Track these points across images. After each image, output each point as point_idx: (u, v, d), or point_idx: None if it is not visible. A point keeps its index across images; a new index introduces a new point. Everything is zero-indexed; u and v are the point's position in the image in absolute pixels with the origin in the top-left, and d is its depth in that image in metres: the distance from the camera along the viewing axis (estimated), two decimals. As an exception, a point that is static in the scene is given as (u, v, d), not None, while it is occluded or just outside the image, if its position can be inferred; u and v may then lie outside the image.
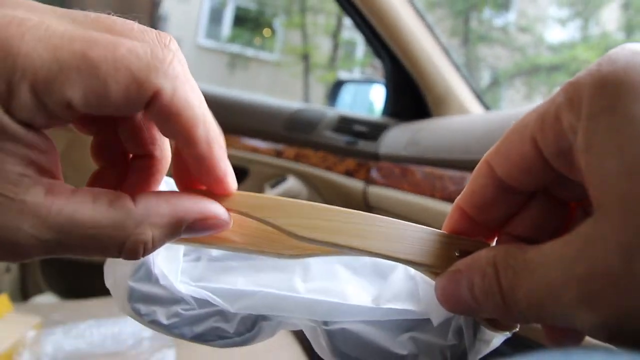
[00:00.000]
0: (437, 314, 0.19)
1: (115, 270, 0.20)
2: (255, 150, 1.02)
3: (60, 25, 0.14)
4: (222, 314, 0.20)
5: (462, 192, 0.19)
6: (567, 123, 0.14)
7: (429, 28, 0.99)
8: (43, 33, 0.14)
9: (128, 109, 0.15)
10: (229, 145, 0.95)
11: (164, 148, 0.19)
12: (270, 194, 1.02)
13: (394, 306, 0.20)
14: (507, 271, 0.15)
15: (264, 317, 0.20)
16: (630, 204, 0.12)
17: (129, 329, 0.70)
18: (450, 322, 0.19)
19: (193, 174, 0.18)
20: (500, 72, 7.26)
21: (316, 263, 0.22)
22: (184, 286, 0.20)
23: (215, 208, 0.18)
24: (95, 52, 0.14)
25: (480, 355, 0.19)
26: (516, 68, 7.12)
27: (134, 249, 0.16)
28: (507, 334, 0.19)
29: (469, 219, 0.19)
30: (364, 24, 0.99)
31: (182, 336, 0.20)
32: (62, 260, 0.95)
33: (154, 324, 0.20)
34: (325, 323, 0.20)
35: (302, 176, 1.03)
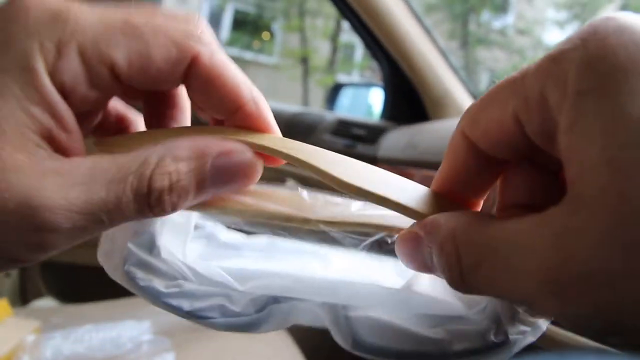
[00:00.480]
0: (472, 305, 0.17)
1: (115, 237, 0.18)
2: (254, 153, 1.02)
3: (99, 6, 0.15)
4: (229, 296, 0.17)
5: (438, 172, 0.18)
6: (554, 101, 0.13)
7: (427, 31, 0.99)
8: (88, 6, 0.15)
9: (169, 75, 0.16)
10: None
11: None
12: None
13: (426, 293, 0.18)
14: (468, 248, 0.14)
15: (276, 299, 0.17)
16: (611, 199, 0.11)
17: (128, 333, 0.70)
18: (485, 308, 0.17)
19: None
20: (498, 74, 7.26)
21: (337, 254, 0.20)
22: (189, 260, 0.18)
23: (237, 145, 0.17)
24: (136, 19, 0.15)
25: (527, 339, 0.17)
26: (514, 70, 7.12)
27: (161, 186, 0.15)
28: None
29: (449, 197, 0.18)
30: (362, 27, 0.99)
31: (176, 309, 0.17)
32: (62, 264, 0.95)
33: (145, 291, 0.17)
34: (347, 309, 0.17)
35: (300, 180, 1.04)
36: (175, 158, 0.15)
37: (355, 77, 7.72)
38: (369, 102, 1.24)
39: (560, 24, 7.37)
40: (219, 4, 8.07)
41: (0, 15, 0.14)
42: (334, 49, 7.57)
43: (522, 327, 0.17)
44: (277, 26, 8.23)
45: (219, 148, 0.16)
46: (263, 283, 0.18)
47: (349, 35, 7.54)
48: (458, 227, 0.15)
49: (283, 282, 0.18)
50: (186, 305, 0.17)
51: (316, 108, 1.43)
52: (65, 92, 0.14)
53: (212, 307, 0.17)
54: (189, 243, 0.19)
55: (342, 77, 7.32)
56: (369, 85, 1.65)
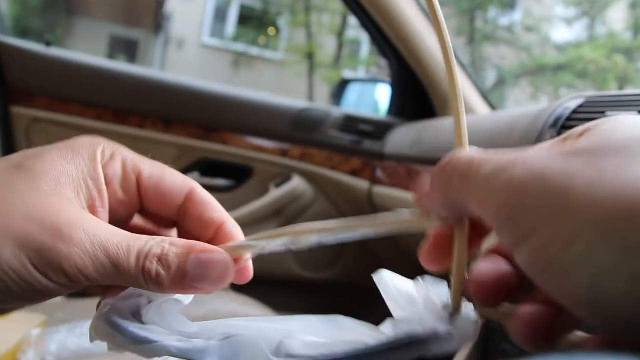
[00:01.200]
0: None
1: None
2: (260, 149, 1.02)
3: None
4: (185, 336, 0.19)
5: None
6: None
7: (435, 27, 0.98)
8: None
9: (174, 196, 0.23)
10: (233, 144, 0.95)
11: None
12: (276, 193, 1.01)
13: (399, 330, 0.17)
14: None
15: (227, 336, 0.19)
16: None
17: (134, 328, 0.70)
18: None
19: None
20: (505, 71, 7.22)
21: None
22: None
23: (218, 248, 0.20)
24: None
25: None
26: (522, 68, 7.08)
27: (155, 253, 0.19)
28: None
29: None
30: (369, 23, 0.98)
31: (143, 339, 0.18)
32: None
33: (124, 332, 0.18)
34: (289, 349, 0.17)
35: (307, 176, 1.03)
36: (171, 243, 0.20)
37: (361, 74, 7.68)
38: (376, 98, 1.24)
39: (568, 21, 7.29)
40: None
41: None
42: (340, 45, 7.54)
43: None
44: (283, 21, 8.20)
45: (205, 247, 0.20)
46: (221, 325, 0.19)
47: (355, 30, 7.50)
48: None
49: (240, 325, 0.19)
50: (145, 334, 0.19)
51: (322, 104, 1.42)
52: (107, 181, 0.21)
53: (169, 340, 0.19)
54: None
55: (348, 74, 7.28)
56: (375, 81, 1.64)
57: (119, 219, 0.22)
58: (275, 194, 1.00)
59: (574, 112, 0.51)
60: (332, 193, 1.04)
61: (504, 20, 7.57)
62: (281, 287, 1.03)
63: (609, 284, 0.12)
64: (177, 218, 0.23)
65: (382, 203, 0.97)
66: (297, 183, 1.01)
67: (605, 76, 6.10)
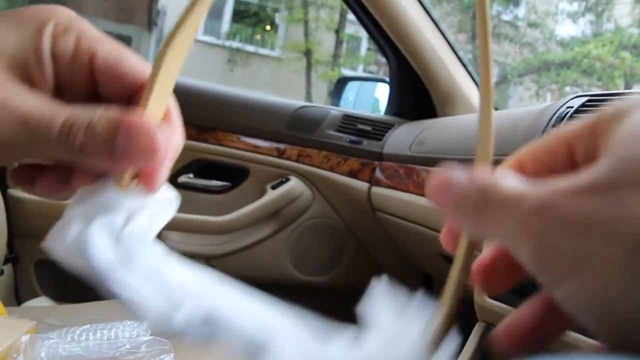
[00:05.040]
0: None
1: (78, 215, 0.19)
2: (256, 149, 1.00)
3: None
4: (167, 300, 0.18)
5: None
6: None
7: (436, 23, 0.96)
8: None
9: (132, 81, 0.20)
10: (228, 144, 0.93)
11: None
12: (272, 195, 1.00)
13: None
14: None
15: (206, 321, 0.18)
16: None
17: (127, 333, 0.69)
18: None
19: None
20: (508, 69, 7.18)
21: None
22: (144, 257, 0.18)
23: (149, 121, 0.19)
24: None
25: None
26: (525, 65, 7.04)
27: (84, 118, 0.18)
28: None
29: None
30: (368, 19, 0.97)
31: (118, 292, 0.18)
32: (57, 263, 0.94)
33: (96, 265, 0.17)
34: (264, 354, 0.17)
35: (304, 176, 1.02)
36: (101, 114, 0.18)
37: (360, 72, 7.66)
38: (375, 97, 1.22)
39: (573, 16, 7.24)
40: (219, -6, 8.00)
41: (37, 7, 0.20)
42: (338, 42, 7.52)
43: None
44: (280, 18, 8.17)
45: (136, 119, 0.18)
46: (201, 302, 0.18)
47: (354, 26, 7.47)
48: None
49: (220, 307, 0.18)
50: (128, 293, 0.18)
51: (320, 103, 1.41)
52: (54, 57, 0.19)
53: (150, 305, 0.18)
54: (148, 246, 0.19)
55: (346, 72, 7.26)
56: (374, 79, 1.62)
57: (66, 98, 0.20)
58: (271, 195, 0.98)
59: (578, 111, 0.51)
60: (330, 194, 1.02)
61: (507, 16, 7.52)
62: (277, 291, 1.02)
63: None
64: (128, 105, 0.21)
65: (382, 205, 0.95)
66: (294, 184, 0.99)
67: (611, 73, 6.05)
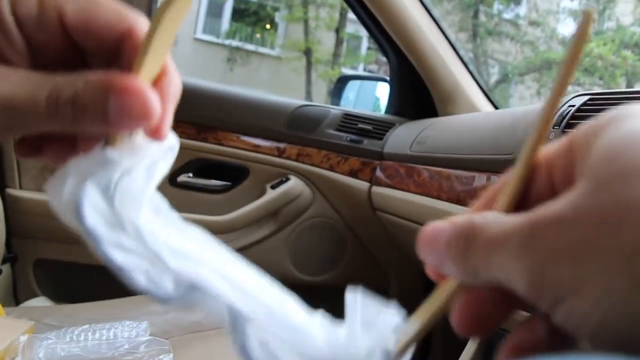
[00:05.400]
0: None
1: (71, 174, 0.18)
2: (256, 148, 1.00)
3: None
4: (156, 265, 0.18)
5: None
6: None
7: (436, 22, 0.96)
8: None
9: (108, 35, 0.19)
10: (228, 143, 0.92)
11: None
12: (272, 194, 1.00)
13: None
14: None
15: (194, 286, 0.18)
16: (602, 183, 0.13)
17: (125, 333, 0.68)
18: None
19: None
20: (510, 67, 7.17)
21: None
22: (138, 221, 0.18)
23: (139, 83, 0.18)
24: None
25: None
26: (526, 63, 7.02)
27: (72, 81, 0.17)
28: None
29: None
30: (368, 18, 0.96)
31: (111, 261, 0.18)
32: (55, 262, 0.94)
33: (91, 232, 0.17)
34: (248, 323, 0.18)
35: (304, 176, 1.01)
36: (85, 82, 0.17)
37: (360, 71, 7.65)
38: (376, 96, 1.22)
39: (575, 15, 7.22)
40: (219, -7, 7.98)
41: None
42: (339, 41, 7.50)
43: None
44: (280, 17, 8.15)
45: (125, 83, 0.18)
46: (189, 267, 0.18)
47: (355, 25, 7.46)
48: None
49: (207, 274, 0.18)
50: (119, 258, 0.18)
51: (320, 102, 1.40)
52: (19, 23, 0.18)
53: (139, 270, 0.18)
54: (143, 207, 0.19)
55: (346, 71, 7.24)
56: (375, 78, 1.62)
57: (46, 62, 0.20)
58: (271, 194, 0.98)
59: (579, 110, 0.51)
60: (331, 194, 1.02)
61: (508, 15, 7.50)
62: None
63: None
64: (112, 59, 0.20)
65: (382, 204, 0.95)
66: (294, 183, 0.99)
67: (613, 72, 6.04)
